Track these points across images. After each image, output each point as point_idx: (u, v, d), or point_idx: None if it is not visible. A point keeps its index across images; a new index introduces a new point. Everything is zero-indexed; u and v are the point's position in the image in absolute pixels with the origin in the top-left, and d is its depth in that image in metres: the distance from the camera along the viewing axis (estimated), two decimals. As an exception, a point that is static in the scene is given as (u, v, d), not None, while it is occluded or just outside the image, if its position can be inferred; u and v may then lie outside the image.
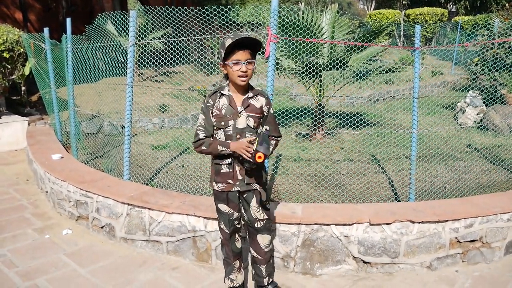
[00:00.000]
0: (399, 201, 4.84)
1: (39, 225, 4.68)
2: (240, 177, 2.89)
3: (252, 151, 2.69)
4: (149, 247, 4.10)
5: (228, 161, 2.87)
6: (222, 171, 2.90)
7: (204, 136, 2.85)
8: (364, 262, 3.67)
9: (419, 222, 3.65)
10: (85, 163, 5.78)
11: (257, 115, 2.86)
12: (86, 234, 4.48)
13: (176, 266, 3.84)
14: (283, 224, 3.68)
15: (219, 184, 2.93)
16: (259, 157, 2.66)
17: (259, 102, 2.88)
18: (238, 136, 2.81)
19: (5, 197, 5.49)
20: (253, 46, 2.74)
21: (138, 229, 4.13)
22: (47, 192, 5.32)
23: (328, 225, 3.64)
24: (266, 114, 2.92)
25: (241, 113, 2.82)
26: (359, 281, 3.59)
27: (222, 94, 2.85)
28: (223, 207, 2.99)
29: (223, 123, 2.82)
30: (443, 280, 3.58)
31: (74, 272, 3.72)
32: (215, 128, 2.87)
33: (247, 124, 2.83)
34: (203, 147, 2.84)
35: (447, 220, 3.68)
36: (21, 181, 6.13)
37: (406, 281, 3.57)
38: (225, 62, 2.73)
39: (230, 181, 2.90)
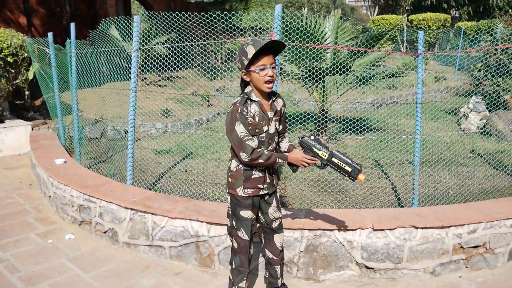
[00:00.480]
0: (402, 206, 4.83)
1: (42, 230, 4.69)
2: (268, 180, 2.92)
3: (316, 163, 2.83)
4: (152, 252, 4.10)
5: (262, 166, 2.87)
6: (253, 176, 2.87)
7: (256, 144, 2.77)
8: (367, 267, 3.66)
9: (422, 228, 3.64)
10: (88, 168, 5.80)
11: (279, 117, 2.93)
12: (89, 239, 4.48)
13: (179, 271, 3.84)
14: (286, 229, 3.66)
15: (247, 189, 2.88)
16: (364, 178, 2.80)
17: (279, 104, 2.93)
18: (270, 141, 2.86)
19: (8, 201, 5.50)
20: (275, 50, 2.75)
21: (141, 234, 4.13)
22: (50, 196, 5.33)
23: (331, 230, 3.64)
24: (282, 114, 2.98)
25: (272, 118, 2.86)
26: (362, 286, 3.58)
27: (252, 100, 2.79)
28: (247, 213, 2.92)
29: (257, 130, 2.78)
30: (446, 286, 3.56)
31: (77, 277, 3.72)
32: None
33: (276, 128, 2.89)
34: (260, 160, 2.76)
35: (451, 226, 3.67)
36: (24, 186, 6.15)
37: (409, 286, 3.56)
38: (249, 69, 2.69)
39: (260, 185, 2.89)
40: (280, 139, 3.04)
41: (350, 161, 2.80)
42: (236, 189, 2.90)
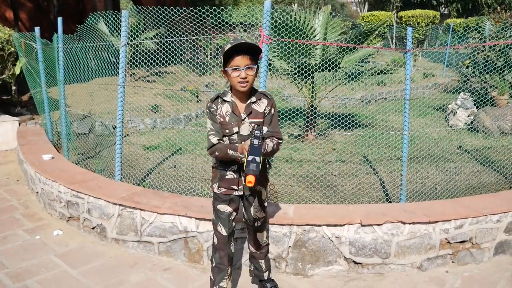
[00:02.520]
0: (390, 202, 4.86)
1: (30, 226, 4.65)
2: (244, 182, 2.83)
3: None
4: (140, 248, 4.08)
5: (234, 168, 2.84)
6: (227, 177, 2.86)
7: (217, 139, 2.80)
8: (355, 262, 3.69)
9: (410, 223, 3.67)
10: (76, 164, 5.75)
11: (261, 119, 2.81)
12: (77, 235, 4.46)
13: (168, 267, 3.83)
14: (275, 225, 3.68)
15: (221, 188, 2.90)
16: (249, 182, 2.43)
17: (262, 105, 2.82)
18: (243, 143, 2.76)
19: (-5, 197, 5.45)
20: (253, 51, 2.69)
21: (129, 230, 4.12)
22: (37, 192, 5.28)
23: (319, 226, 3.65)
24: (266, 114, 2.83)
25: (245, 120, 2.78)
26: (350, 281, 3.60)
27: (224, 101, 2.79)
28: (224, 207, 2.93)
29: (227, 131, 2.78)
30: (433, 280, 3.60)
31: (65, 273, 3.70)
32: None
33: (250, 131, 2.78)
34: (216, 153, 2.79)
35: (438, 221, 3.71)
36: (12, 182, 6.09)
37: (397, 281, 3.59)
38: (225, 69, 2.69)
39: (234, 186, 2.88)
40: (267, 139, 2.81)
41: (256, 158, 2.45)
42: (213, 185, 2.96)
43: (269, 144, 2.76)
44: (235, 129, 2.78)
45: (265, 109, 2.82)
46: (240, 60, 2.63)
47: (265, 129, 2.81)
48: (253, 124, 2.78)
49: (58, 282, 3.57)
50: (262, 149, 2.56)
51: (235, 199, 2.95)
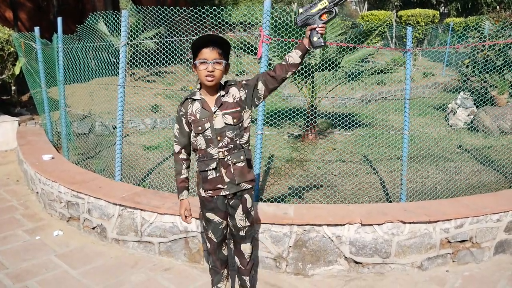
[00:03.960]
0: (390, 201, 4.86)
1: (30, 226, 4.65)
2: (227, 179, 2.77)
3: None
4: (141, 248, 4.08)
5: (213, 165, 2.75)
6: (209, 177, 2.78)
7: (179, 148, 2.86)
8: (356, 262, 3.69)
9: (410, 223, 3.67)
10: (76, 164, 5.75)
11: (234, 109, 2.73)
12: (77, 235, 4.45)
13: (168, 267, 3.83)
14: (275, 225, 3.68)
15: (208, 191, 2.82)
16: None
17: (231, 95, 2.73)
18: (219, 138, 2.70)
19: (-5, 197, 5.45)
20: (223, 46, 2.64)
21: (130, 230, 4.12)
22: (37, 193, 5.28)
23: (320, 225, 3.65)
24: (246, 92, 2.73)
25: (216, 113, 2.70)
26: (351, 281, 3.61)
27: (194, 100, 2.75)
28: (212, 216, 2.88)
29: (200, 128, 2.72)
30: (434, 280, 3.60)
31: (65, 274, 3.70)
32: (194, 135, 2.77)
33: (225, 123, 2.71)
34: (174, 164, 2.89)
35: (438, 221, 3.71)
36: (12, 182, 6.09)
37: (397, 281, 3.59)
38: (194, 62, 2.66)
39: (220, 185, 2.78)
40: (280, 69, 2.67)
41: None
42: (199, 190, 2.88)
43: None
44: (207, 125, 2.71)
45: (235, 96, 2.73)
46: (209, 53, 2.59)
47: (259, 85, 2.72)
48: (227, 116, 2.70)
49: (58, 282, 3.57)
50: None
51: (221, 206, 2.85)
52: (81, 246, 4.23)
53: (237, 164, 2.75)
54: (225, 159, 2.73)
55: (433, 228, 3.71)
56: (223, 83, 2.78)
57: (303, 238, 3.68)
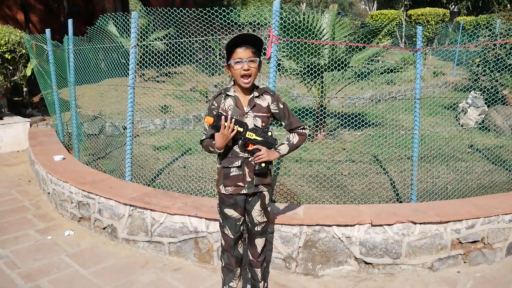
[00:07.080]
0: (400, 202, 4.84)
1: (41, 226, 4.69)
2: (249, 179, 2.83)
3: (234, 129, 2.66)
4: (151, 248, 4.10)
5: (238, 163, 2.80)
6: (231, 174, 2.83)
7: (207, 136, 2.88)
8: (366, 263, 3.67)
9: (420, 223, 3.65)
10: (87, 164, 5.79)
11: (264, 114, 2.81)
12: (88, 235, 4.49)
13: (178, 267, 3.85)
14: (285, 225, 3.68)
15: (228, 187, 2.86)
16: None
17: (265, 101, 2.83)
18: None
19: (7, 198, 5.51)
20: (256, 45, 2.69)
21: (140, 230, 4.14)
22: (49, 193, 5.33)
23: (329, 226, 3.64)
24: (275, 111, 2.85)
25: (248, 113, 2.77)
26: (361, 282, 3.59)
27: (228, 95, 2.80)
28: (231, 211, 2.92)
29: None
30: (445, 281, 3.57)
31: (76, 273, 3.72)
32: None
33: (255, 125, 2.77)
34: (211, 148, 2.84)
35: (449, 221, 3.68)
36: (23, 182, 6.15)
37: (407, 282, 3.57)
38: (228, 62, 2.71)
39: (240, 183, 2.84)
40: (290, 134, 2.93)
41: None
42: (219, 186, 2.92)
43: (295, 139, 2.91)
44: None
45: (269, 105, 2.83)
46: (243, 53, 2.65)
47: (284, 123, 2.91)
48: (257, 118, 2.79)
49: (69, 282, 3.59)
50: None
51: (241, 203, 2.91)
52: (91, 246, 4.26)
53: (256, 168, 2.81)
54: (250, 159, 2.81)
55: (444, 229, 3.69)
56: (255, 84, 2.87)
57: (313, 238, 3.67)
